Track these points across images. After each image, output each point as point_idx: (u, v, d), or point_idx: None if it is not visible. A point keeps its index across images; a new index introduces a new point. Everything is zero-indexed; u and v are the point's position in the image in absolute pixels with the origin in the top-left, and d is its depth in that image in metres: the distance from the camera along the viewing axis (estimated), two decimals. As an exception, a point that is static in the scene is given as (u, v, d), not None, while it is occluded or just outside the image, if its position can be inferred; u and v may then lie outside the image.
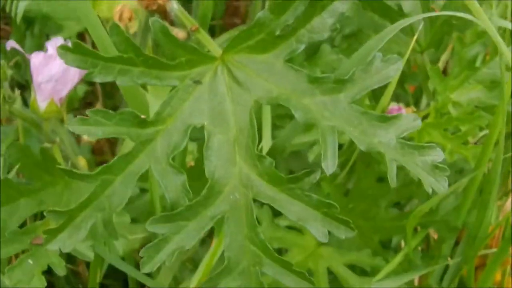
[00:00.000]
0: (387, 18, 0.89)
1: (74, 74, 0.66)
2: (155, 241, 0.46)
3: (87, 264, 0.81)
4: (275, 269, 0.47)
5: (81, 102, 1.04)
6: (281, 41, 0.48)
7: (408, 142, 0.48)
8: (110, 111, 0.45)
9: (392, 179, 0.46)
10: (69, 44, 0.68)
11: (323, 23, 0.48)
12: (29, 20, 1.07)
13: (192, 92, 0.48)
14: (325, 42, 0.88)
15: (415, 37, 0.76)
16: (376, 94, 0.83)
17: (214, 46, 0.49)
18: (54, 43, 0.68)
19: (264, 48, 0.48)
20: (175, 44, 0.46)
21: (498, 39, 0.58)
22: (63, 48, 0.43)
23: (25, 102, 0.92)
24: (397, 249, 0.85)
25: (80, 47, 0.44)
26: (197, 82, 0.48)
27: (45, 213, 0.45)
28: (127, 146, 0.66)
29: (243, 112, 0.48)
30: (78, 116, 0.44)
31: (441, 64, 0.94)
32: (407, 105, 0.98)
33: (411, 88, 1.01)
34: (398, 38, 0.91)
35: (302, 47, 0.48)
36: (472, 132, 0.75)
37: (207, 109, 0.48)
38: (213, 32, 1.15)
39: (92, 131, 0.45)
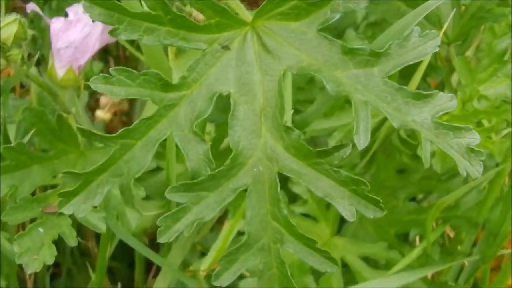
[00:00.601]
0: (413, 7, 0.86)
1: (95, 42, 0.64)
2: (174, 211, 0.44)
3: (97, 241, 0.79)
4: (297, 247, 0.45)
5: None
6: (315, 9, 0.45)
7: (444, 123, 0.45)
8: (135, 71, 0.43)
9: (427, 160, 0.44)
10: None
11: (359, -7, 0.45)
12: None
13: (219, 57, 0.46)
14: (349, 27, 0.86)
15: (444, 28, 0.74)
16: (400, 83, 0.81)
17: (244, 11, 0.47)
18: (75, 9, 0.66)
19: (297, 16, 0.46)
20: (205, 3, 0.43)
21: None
22: (89, 1, 0.41)
23: (41, 74, 0.90)
24: (412, 244, 0.83)
25: (108, 1, 0.42)
26: (225, 47, 0.46)
27: (60, 175, 0.43)
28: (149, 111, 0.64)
29: (271, 82, 0.46)
30: (101, 74, 0.42)
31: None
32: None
33: (433, 83, 0.98)
34: (425, 27, 0.88)
35: (337, 16, 0.46)
36: (498, 126, 0.73)
37: (234, 77, 0.46)
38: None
39: (114, 90, 0.43)
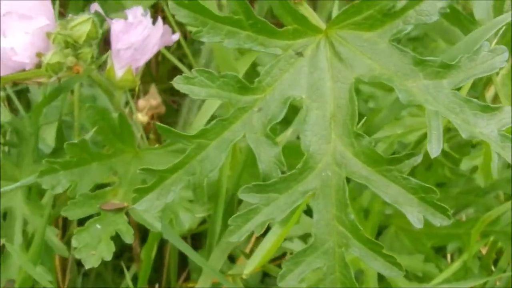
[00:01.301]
0: (456, 24, 0.88)
1: (154, 45, 0.66)
2: (245, 211, 0.45)
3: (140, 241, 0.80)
4: (363, 251, 0.46)
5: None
6: (388, 20, 0.47)
7: (510, 135, 0.46)
8: (214, 73, 0.45)
9: (495, 171, 0.45)
10: (148, 15, 0.68)
11: (432, 6, 0.47)
12: (86, -1, 1.07)
13: (293, 63, 0.47)
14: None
15: (496, 39, 0.75)
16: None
17: (317, 19, 0.48)
18: (133, 12, 0.67)
19: (371, 26, 0.47)
20: (286, 10, 0.45)
21: None
22: (176, 3, 0.43)
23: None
24: (448, 257, 0.83)
25: (195, 3, 0.43)
26: (299, 54, 0.47)
27: (138, 171, 0.45)
28: (199, 123, 0.65)
29: (342, 89, 0.47)
30: (183, 74, 0.44)
31: (500, 77, 0.92)
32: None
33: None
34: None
35: (409, 28, 0.47)
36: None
37: (306, 83, 0.47)
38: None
39: (195, 91, 0.44)
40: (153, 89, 1.05)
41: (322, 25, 0.48)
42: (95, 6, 0.66)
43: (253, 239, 0.79)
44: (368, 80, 0.47)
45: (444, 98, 0.46)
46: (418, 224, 0.45)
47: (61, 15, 1.15)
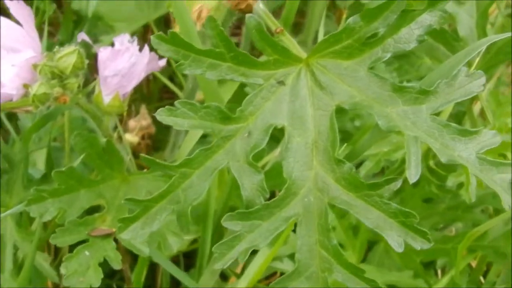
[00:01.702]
0: (441, 41, 0.89)
1: (140, 71, 0.67)
2: (228, 238, 0.46)
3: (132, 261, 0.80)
4: (346, 276, 0.47)
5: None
6: (367, 49, 0.48)
7: (488, 158, 0.47)
8: (197, 104, 0.46)
9: (473, 194, 0.46)
10: (136, 41, 0.69)
11: (410, 34, 0.48)
12: (79, 18, 1.08)
13: (275, 92, 0.48)
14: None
15: (474, 64, 0.76)
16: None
17: (298, 48, 0.49)
18: (120, 39, 0.68)
19: (350, 54, 0.48)
20: (267, 42, 0.46)
21: None
22: (158, 38, 0.44)
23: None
24: (437, 272, 0.84)
25: (175, 38, 0.44)
26: (281, 82, 0.48)
27: (122, 202, 0.45)
28: (185, 150, 0.66)
29: (323, 116, 0.48)
30: (166, 106, 0.45)
31: (485, 92, 0.94)
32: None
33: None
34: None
35: (388, 56, 0.48)
36: (526, 159, 0.74)
37: (288, 110, 0.48)
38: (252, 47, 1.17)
39: (178, 122, 0.45)
40: (143, 109, 1.06)
41: (303, 54, 0.49)
42: (82, 35, 0.67)
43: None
44: (349, 107, 0.48)
45: (423, 123, 0.47)
46: (398, 248, 0.46)
47: (51, 35, 1.16)
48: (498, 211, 0.79)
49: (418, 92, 0.47)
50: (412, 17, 0.47)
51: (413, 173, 0.45)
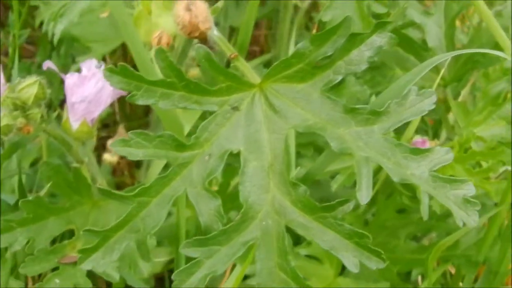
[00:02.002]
0: (411, 52, 0.90)
1: (107, 96, 0.68)
2: (187, 265, 0.47)
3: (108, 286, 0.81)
4: (305, 297, 0.47)
5: (101, 124, 1.06)
6: (319, 72, 0.49)
7: (441, 175, 0.48)
8: (151, 133, 0.46)
9: (425, 212, 0.46)
10: (103, 66, 0.70)
11: (361, 56, 0.49)
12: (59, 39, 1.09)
13: (229, 118, 0.49)
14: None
15: (441, 73, 0.77)
16: (398, 127, 0.84)
17: (252, 74, 0.50)
18: (88, 65, 0.69)
19: (302, 78, 0.49)
20: (217, 70, 0.47)
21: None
22: (109, 70, 0.45)
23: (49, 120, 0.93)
24: (415, 283, 0.85)
25: (126, 70, 0.45)
26: (235, 108, 0.49)
27: (81, 232, 0.46)
28: (155, 171, 0.67)
29: (278, 140, 0.49)
30: (120, 137, 0.45)
31: (460, 99, 0.95)
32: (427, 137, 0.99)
33: (430, 121, 1.01)
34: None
35: (339, 78, 0.49)
36: (495, 167, 0.75)
37: (243, 135, 0.49)
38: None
39: (133, 152, 0.46)
40: (121, 129, 1.06)
41: (257, 79, 0.50)
42: (48, 63, 0.68)
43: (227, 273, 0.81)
44: (302, 130, 0.49)
45: (376, 143, 0.48)
46: (354, 269, 0.46)
47: (31, 55, 1.17)
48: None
49: (370, 113, 0.48)
50: (362, 39, 0.48)
51: (364, 195, 0.45)
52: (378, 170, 0.82)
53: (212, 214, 0.47)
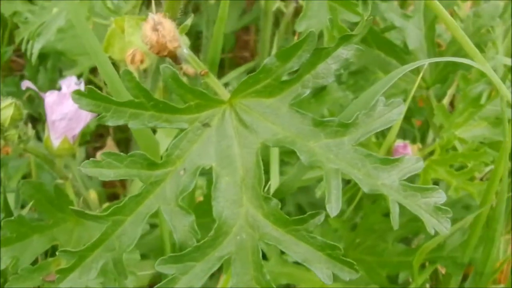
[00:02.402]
0: (392, 55, 0.91)
1: (87, 113, 0.68)
2: (163, 282, 0.47)
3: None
4: (281, 309, 0.48)
5: (92, 135, 1.06)
6: (287, 86, 0.49)
7: (411, 184, 0.49)
8: (122, 154, 0.47)
9: (395, 221, 0.47)
10: (82, 84, 0.70)
11: (327, 69, 0.49)
12: (42, 54, 1.10)
13: (201, 134, 0.49)
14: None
15: (420, 76, 0.78)
16: (382, 130, 0.84)
17: (222, 90, 0.51)
18: (67, 82, 0.70)
19: (271, 93, 0.50)
20: (184, 89, 0.47)
21: (497, 80, 0.59)
22: (77, 93, 0.45)
23: (38, 135, 0.94)
24: (404, 285, 0.85)
25: (93, 93, 0.46)
26: (206, 125, 0.49)
27: (57, 253, 0.47)
28: (137, 185, 0.68)
29: (250, 154, 0.49)
30: (91, 159, 0.46)
31: (447, 98, 0.95)
32: (414, 139, 0.99)
33: (418, 122, 1.02)
34: (405, 75, 0.92)
35: (308, 91, 0.50)
36: (477, 168, 0.76)
37: (215, 151, 0.50)
38: (222, 66, 1.18)
39: (104, 173, 0.46)
40: (109, 141, 1.07)
41: (226, 95, 0.51)
42: (27, 83, 0.69)
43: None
44: (273, 144, 0.49)
45: (346, 154, 0.49)
46: (327, 281, 0.47)
47: (20, 68, 1.18)
48: (455, 220, 0.80)
49: (338, 125, 0.49)
50: (328, 53, 0.49)
51: (333, 207, 0.46)
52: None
53: (186, 231, 0.48)
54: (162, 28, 0.49)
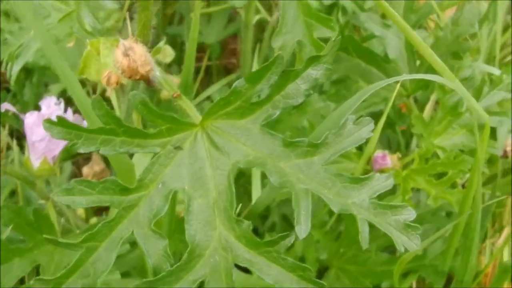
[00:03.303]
0: (373, 64, 0.91)
1: (66, 134, 0.69)
2: (139, 306, 0.48)
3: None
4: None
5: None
6: (257, 108, 0.50)
7: (381, 202, 0.49)
8: (94, 181, 0.47)
9: (364, 241, 0.48)
10: (62, 104, 0.71)
11: (297, 89, 0.50)
12: (28, 69, 1.11)
13: (173, 157, 0.50)
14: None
15: (398, 85, 0.78)
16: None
17: (194, 112, 0.51)
18: (47, 103, 0.70)
19: (242, 114, 0.50)
20: (154, 115, 0.48)
21: (466, 95, 0.60)
22: (47, 122, 0.46)
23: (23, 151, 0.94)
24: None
25: (63, 121, 0.46)
26: (178, 148, 0.50)
27: (31, 283, 0.47)
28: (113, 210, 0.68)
29: (222, 176, 0.50)
30: (63, 187, 0.46)
31: (431, 104, 0.96)
32: (398, 145, 1.00)
33: (402, 128, 1.03)
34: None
35: (278, 112, 0.50)
36: (456, 176, 0.76)
37: (188, 173, 0.50)
38: (210, 73, 1.19)
39: (76, 201, 0.47)
40: (95, 155, 1.07)
41: (198, 118, 0.51)
42: (6, 105, 0.69)
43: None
44: (244, 165, 0.50)
45: (316, 174, 0.49)
46: (299, 301, 0.47)
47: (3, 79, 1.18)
48: (437, 228, 0.81)
49: (309, 145, 0.49)
50: (296, 74, 0.49)
51: (303, 229, 0.46)
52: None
53: (160, 255, 0.48)
54: (133, 53, 0.50)
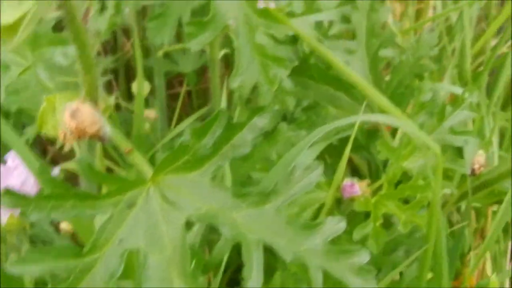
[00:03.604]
0: (341, 90, 0.92)
1: (32, 186, 0.69)
2: None
3: None
4: None
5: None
6: (205, 161, 0.51)
7: (334, 247, 0.50)
8: (47, 247, 0.48)
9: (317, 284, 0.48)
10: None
11: (244, 139, 0.51)
12: (5, 111, 1.11)
13: (126, 216, 0.51)
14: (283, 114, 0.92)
15: (363, 107, 0.78)
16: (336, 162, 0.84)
17: (146, 167, 0.52)
18: (13, 155, 0.71)
19: (191, 168, 0.51)
20: (101, 178, 0.48)
21: (415, 132, 0.61)
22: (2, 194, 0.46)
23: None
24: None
25: (11, 193, 0.47)
26: (131, 205, 0.51)
27: None
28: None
29: (176, 230, 0.50)
30: (18, 257, 0.47)
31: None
32: (370, 169, 1.00)
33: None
34: (352, 106, 0.94)
35: (227, 162, 0.51)
36: (424, 200, 0.77)
37: (143, 230, 0.51)
38: (191, 97, 1.20)
39: (30, 269, 0.47)
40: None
41: (150, 173, 0.52)
42: (-30, 161, 0.70)
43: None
44: (196, 219, 0.50)
45: (269, 222, 0.50)
46: None
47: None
48: (412, 252, 0.81)
49: (259, 195, 0.50)
50: (241, 126, 0.50)
51: (255, 283, 0.47)
52: (315, 216, 0.84)
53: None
54: (81, 115, 0.51)
